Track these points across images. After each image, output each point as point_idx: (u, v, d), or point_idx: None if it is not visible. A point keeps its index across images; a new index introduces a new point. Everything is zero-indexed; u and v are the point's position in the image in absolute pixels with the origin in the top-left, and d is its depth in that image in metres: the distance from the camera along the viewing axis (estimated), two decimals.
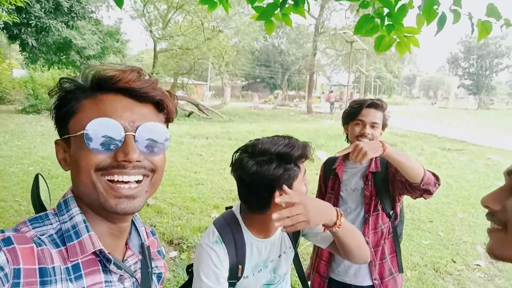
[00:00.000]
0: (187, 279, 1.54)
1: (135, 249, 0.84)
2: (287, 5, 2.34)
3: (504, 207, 0.65)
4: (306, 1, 2.32)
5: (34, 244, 0.65)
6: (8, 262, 0.60)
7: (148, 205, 5.10)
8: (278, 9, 2.34)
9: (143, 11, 21.71)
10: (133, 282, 0.79)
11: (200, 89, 39.96)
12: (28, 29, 14.08)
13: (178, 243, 4.05)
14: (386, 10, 2.21)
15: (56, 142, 0.77)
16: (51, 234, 0.70)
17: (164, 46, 23.76)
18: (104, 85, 0.72)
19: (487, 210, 0.68)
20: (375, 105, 1.95)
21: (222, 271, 1.32)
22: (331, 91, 34.21)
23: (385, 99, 2.81)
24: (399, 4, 2.18)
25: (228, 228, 1.38)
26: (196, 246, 1.39)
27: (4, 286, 0.58)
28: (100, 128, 0.68)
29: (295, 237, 1.56)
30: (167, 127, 0.81)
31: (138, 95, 0.73)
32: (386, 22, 2.25)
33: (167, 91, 0.81)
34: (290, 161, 1.26)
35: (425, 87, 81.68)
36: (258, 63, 46.32)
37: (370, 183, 1.96)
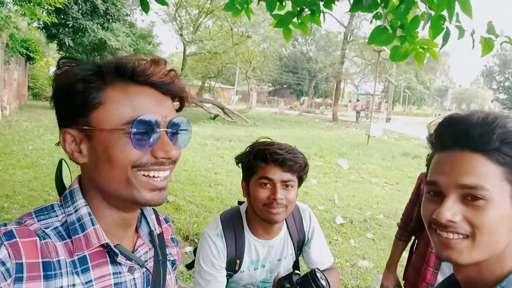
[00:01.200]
0: (193, 259, 1.68)
1: (146, 238, 0.83)
2: (304, 14, 2.43)
3: (465, 218, 0.69)
4: (322, 11, 2.41)
5: (37, 238, 0.65)
6: (10, 256, 0.60)
7: (168, 201, 5.28)
8: (295, 17, 2.44)
9: (175, 15, 22.30)
10: (144, 272, 0.78)
11: (227, 93, 40.46)
12: (66, 29, 14.79)
13: (193, 239, 4.19)
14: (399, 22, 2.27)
15: (64, 132, 0.71)
16: (57, 227, 0.70)
17: (193, 49, 24.26)
18: (137, 77, 0.70)
19: None
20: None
21: (219, 261, 1.44)
22: (358, 100, 33.84)
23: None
24: (412, 16, 2.23)
25: (231, 223, 1.50)
26: (202, 233, 1.52)
27: (6, 281, 0.58)
28: (141, 125, 0.67)
29: (299, 245, 1.63)
30: None
31: (166, 89, 0.73)
32: (399, 34, 2.32)
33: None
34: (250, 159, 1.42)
35: (457, 99, 79.30)
36: (285, 69, 46.43)
37: None
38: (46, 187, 5.49)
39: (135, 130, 0.67)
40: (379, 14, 2.29)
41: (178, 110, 0.79)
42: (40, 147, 8.16)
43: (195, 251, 1.62)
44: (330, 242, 4.49)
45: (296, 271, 1.36)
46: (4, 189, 5.23)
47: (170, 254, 0.92)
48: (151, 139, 0.69)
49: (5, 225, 0.65)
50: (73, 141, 0.70)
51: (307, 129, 18.61)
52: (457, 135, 0.72)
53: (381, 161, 10.28)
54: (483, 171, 0.69)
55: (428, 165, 0.84)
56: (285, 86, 50.43)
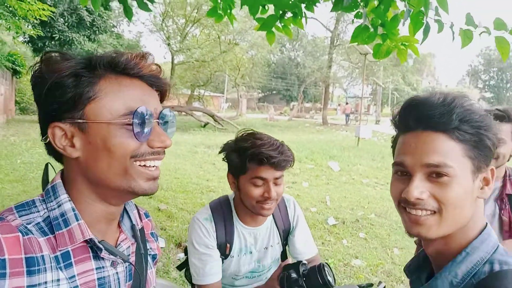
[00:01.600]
0: (185, 259, 1.69)
1: (128, 232, 0.83)
2: (286, 17, 2.47)
3: (432, 195, 0.73)
4: (304, 14, 2.45)
5: (20, 233, 0.64)
6: None
7: (159, 209, 5.26)
8: (278, 20, 2.48)
9: (162, 25, 22.37)
10: (126, 267, 0.79)
11: (216, 101, 40.50)
12: (52, 42, 14.74)
13: (186, 247, 4.17)
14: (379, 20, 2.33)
15: (55, 126, 0.69)
16: (39, 222, 0.69)
17: (181, 58, 24.34)
18: (129, 70, 0.72)
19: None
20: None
21: (211, 240, 1.48)
22: (347, 103, 34.13)
23: None
24: (392, 14, 2.29)
25: (220, 210, 1.54)
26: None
27: None
28: (138, 116, 0.69)
29: (284, 234, 1.66)
30: None
31: (152, 82, 0.75)
32: (380, 32, 2.37)
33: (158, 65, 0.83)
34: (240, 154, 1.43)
35: None
36: (274, 75, 46.68)
37: (506, 206, 1.80)
38: None
39: (136, 121, 0.69)
40: (360, 13, 2.34)
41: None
42: (28, 160, 8.07)
43: (185, 250, 1.63)
44: (322, 243, 4.50)
45: (303, 261, 1.37)
46: None
47: (150, 248, 0.93)
48: (147, 130, 0.71)
49: None
50: (64, 135, 0.70)
51: (297, 133, 18.69)
52: (419, 117, 0.76)
53: (372, 162, 10.35)
54: (446, 149, 0.73)
55: (393, 147, 0.86)
56: (274, 92, 50.66)
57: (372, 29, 2.36)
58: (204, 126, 18.34)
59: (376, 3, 2.29)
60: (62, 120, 0.69)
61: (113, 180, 0.70)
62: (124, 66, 0.71)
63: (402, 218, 0.80)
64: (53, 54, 0.71)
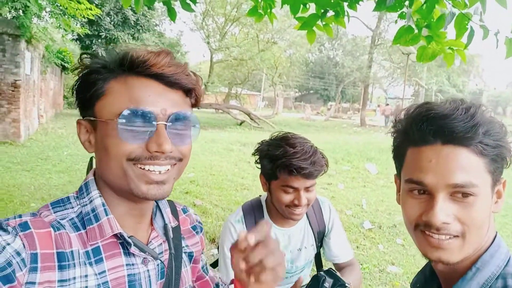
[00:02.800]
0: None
1: (160, 231, 0.82)
2: (328, 16, 2.43)
3: (457, 218, 0.68)
4: (346, 12, 2.39)
5: (51, 229, 0.65)
6: (24, 247, 0.60)
7: (195, 205, 5.36)
8: (319, 19, 2.44)
9: (202, 24, 22.76)
10: (158, 265, 0.77)
11: (253, 99, 40.71)
12: (99, 40, 15.42)
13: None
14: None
15: (79, 122, 0.74)
16: (72, 218, 0.71)
17: (220, 57, 24.66)
18: (136, 69, 0.69)
19: None
20: None
21: None
22: (387, 104, 33.16)
23: None
24: (438, 15, 2.18)
25: (252, 212, 1.54)
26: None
27: (22, 271, 0.59)
28: (133, 117, 0.66)
29: (319, 236, 1.65)
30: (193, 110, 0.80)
31: (170, 81, 0.70)
32: (425, 33, 2.27)
33: (193, 73, 0.78)
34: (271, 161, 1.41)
35: (492, 103, 76.20)
36: (312, 74, 46.21)
37: None
38: None
39: (123, 121, 0.66)
40: (404, 13, 2.25)
41: (193, 106, 0.77)
42: (74, 153, 8.49)
43: (218, 248, 1.65)
44: (357, 247, 4.40)
45: (332, 269, 1.35)
46: (40, 192, 5.47)
47: (186, 246, 0.90)
48: (145, 132, 0.67)
49: (20, 216, 0.66)
50: (86, 131, 0.73)
51: (333, 134, 18.40)
52: (440, 130, 0.69)
53: None
54: (470, 166, 0.67)
55: (396, 157, 0.79)
56: (311, 91, 50.15)
57: (416, 31, 2.26)
58: (240, 124, 18.49)
59: (422, 0, 2.20)
60: (84, 116, 0.73)
61: (114, 180, 0.71)
62: (129, 64, 0.69)
63: (418, 241, 0.73)
64: (84, 55, 0.73)
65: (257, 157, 1.48)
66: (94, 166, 0.88)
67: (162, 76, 0.69)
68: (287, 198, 1.39)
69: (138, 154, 0.67)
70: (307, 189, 1.39)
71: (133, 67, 0.69)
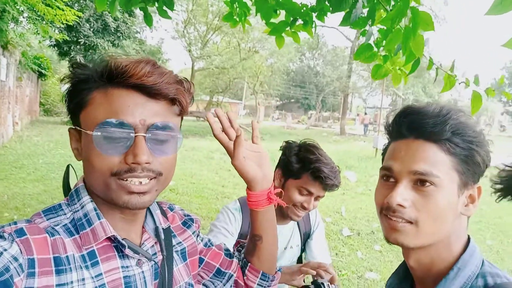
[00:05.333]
0: None
1: (151, 232, 0.83)
2: (297, 24, 2.50)
3: (413, 204, 0.72)
4: (314, 22, 2.47)
5: (47, 234, 0.66)
6: (21, 252, 0.61)
7: None
8: (289, 26, 2.51)
9: (183, 32, 22.74)
10: (152, 266, 0.78)
11: (234, 108, 40.73)
12: (77, 46, 15.17)
13: None
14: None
15: (69, 130, 0.75)
16: (65, 224, 0.71)
17: (201, 65, 24.65)
18: (115, 79, 0.68)
19: None
20: None
21: (233, 227, 1.51)
22: (366, 113, 33.80)
23: None
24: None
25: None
26: None
27: (20, 276, 0.59)
28: (110, 129, 0.66)
29: (305, 237, 1.70)
30: (182, 119, 0.80)
31: (150, 92, 0.69)
32: (382, 53, 2.36)
33: (184, 79, 0.77)
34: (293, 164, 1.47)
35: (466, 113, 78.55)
36: (293, 83, 46.68)
37: None
38: (55, 200, 5.54)
39: (98, 133, 0.66)
40: (365, 31, 2.34)
41: (179, 115, 0.77)
42: (50, 161, 8.29)
43: None
44: (336, 254, 4.45)
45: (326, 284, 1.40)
46: (14, 201, 5.31)
47: (178, 243, 0.90)
48: (124, 144, 0.67)
49: (15, 223, 0.66)
50: (76, 140, 0.74)
51: None
52: (413, 125, 0.76)
53: None
54: (435, 159, 0.72)
55: (383, 155, 0.85)
56: (292, 100, 50.61)
57: (375, 49, 2.35)
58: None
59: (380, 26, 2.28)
60: (73, 125, 0.74)
61: (98, 191, 0.71)
62: (108, 75, 0.68)
63: (382, 224, 0.79)
64: (73, 64, 0.74)
65: (284, 152, 1.53)
66: (73, 171, 0.89)
67: (142, 87, 0.68)
68: (299, 198, 1.45)
69: (119, 169, 0.67)
70: (318, 197, 1.48)
71: (112, 77, 0.68)
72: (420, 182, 0.72)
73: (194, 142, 13.79)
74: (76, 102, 0.71)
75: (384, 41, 2.25)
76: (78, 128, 0.71)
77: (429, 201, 0.72)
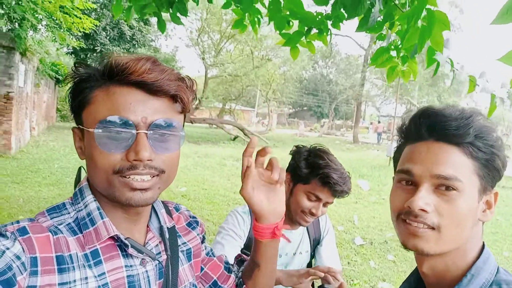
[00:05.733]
0: None
1: (156, 232, 0.83)
2: (311, 33, 2.48)
3: (436, 209, 0.69)
4: (329, 30, 2.45)
5: (50, 233, 0.66)
6: (24, 251, 0.61)
7: None
8: (303, 36, 2.49)
9: (197, 40, 23.00)
10: (156, 265, 0.78)
11: (247, 115, 40.91)
12: (94, 54, 15.49)
13: None
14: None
15: (73, 129, 0.75)
16: (69, 223, 0.71)
17: (215, 72, 24.85)
18: (116, 77, 0.68)
19: None
20: None
21: (241, 230, 1.50)
22: (379, 122, 33.51)
23: None
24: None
25: None
26: None
27: (22, 274, 0.59)
28: (112, 126, 0.66)
29: (314, 243, 1.67)
30: (185, 116, 0.79)
31: (151, 88, 0.69)
32: (401, 53, 2.34)
33: (186, 76, 0.77)
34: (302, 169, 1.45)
35: None
36: (305, 91, 46.68)
37: None
38: None
39: (99, 131, 0.66)
40: (382, 35, 2.31)
41: (182, 112, 0.76)
42: (65, 165, 8.42)
43: None
44: (348, 263, 4.39)
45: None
46: (29, 205, 5.40)
47: (183, 243, 0.90)
48: (125, 141, 0.67)
49: (17, 222, 0.66)
50: (79, 139, 0.74)
51: None
52: (434, 127, 0.73)
53: None
54: (458, 163, 0.70)
55: (395, 157, 0.82)
56: (305, 108, 50.56)
57: (394, 52, 2.33)
58: (234, 139, 18.51)
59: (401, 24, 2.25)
60: (77, 124, 0.74)
61: (101, 189, 0.71)
62: (109, 73, 0.69)
63: (399, 230, 0.75)
64: (77, 64, 0.74)
65: (294, 156, 1.51)
66: (85, 173, 0.89)
67: (143, 84, 0.68)
68: (307, 204, 1.43)
69: (122, 167, 0.67)
70: (326, 203, 1.46)
71: (113, 75, 0.69)
72: (443, 186, 0.70)
73: (207, 149, 13.86)
74: (79, 100, 0.71)
75: (400, 43, 2.24)
76: (81, 126, 0.72)
77: (452, 206, 0.69)
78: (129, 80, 0.67)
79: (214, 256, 0.99)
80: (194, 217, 0.98)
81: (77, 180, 0.87)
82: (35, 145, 10.73)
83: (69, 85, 0.73)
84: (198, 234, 0.95)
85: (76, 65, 0.73)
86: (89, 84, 0.70)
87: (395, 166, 0.83)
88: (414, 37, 1.62)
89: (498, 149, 0.72)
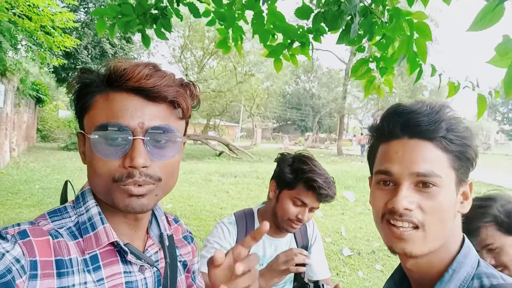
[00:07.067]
0: None
1: (156, 239, 0.82)
2: (294, 46, 2.54)
3: (419, 206, 0.70)
4: (311, 44, 2.51)
5: (50, 237, 0.66)
6: (24, 254, 0.61)
7: None
8: (286, 49, 2.55)
9: (180, 57, 23.08)
10: (154, 272, 0.77)
11: (231, 130, 40.93)
12: (75, 73, 15.31)
13: None
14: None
15: (77, 134, 0.76)
16: (70, 227, 0.71)
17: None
18: (115, 83, 0.69)
19: None
20: None
21: (226, 242, 1.49)
22: (362, 134, 34.01)
23: None
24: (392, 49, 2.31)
25: (244, 219, 1.58)
26: None
27: (22, 277, 0.59)
28: (107, 132, 0.66)
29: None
30: (187, 122, 0.79)
31: (149, 94, 0.68)
32: (380, 65, 2.41)
33: (187, 82, 0.76)
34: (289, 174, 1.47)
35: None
36: (289, 106, 47.12)
37: None
38: None
39: (96, 136, 0.66)
40: (362, 47, 2.39)
41: (182, 118, 0.76)
42: (47, 186, 8.22)
43: None
44: (337, 274, 4.39)
45: (322, 284, 1.39)
46: None
47: (181, 255, 0.90)
48: (122, 147, 0.67)
49: (18, 225, 0.66)
50: (83, 144, 0.74)
51: None
52: (406, 124, 0.73)
53: None
54: (434, 158, 0.71)
55: (369, 158, 0.82)
56: (289, 122, 50.94)
57: (373, 64, 2.40)
58: (219, 155, 18.45)
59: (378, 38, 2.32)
60: (80, 128, 0.75)
61: (100, 193, 0.71)
62: (108, 79, 0.69)
63: (384, 232, 0.75)
64: (82, 70, 0.74)
65: (279, 164, 1.54)
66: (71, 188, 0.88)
67: (141, 89, 0.68)
68: (293, 210, 1.44)
69: (120, 174, 0.67)
70: (312, 209, 1.47)
71: (112, 81, 0.69)
72: (423, 183, 0.70)
73: (192, 165, 13.75)
74: (81, 106, 0.72)
75: (381, 54, 2.30)
76: (83, 132, 0.72)
77: (434, 202, 0.70)
78: (127, 86, 0.68)
79: (195, 282, 0.98)
80: (190, 232, 0.99)
81: (63, 194, 0.89)
82: (15, 166, 10.46)
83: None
84: (190, 252, 0.95)
85: (80, 70, 0.74)
86: (90, 89, 0.71)
87: (370, 167, 0.83)
88: (403, 47, 1.68)
89: (469, 140, 0.73)
